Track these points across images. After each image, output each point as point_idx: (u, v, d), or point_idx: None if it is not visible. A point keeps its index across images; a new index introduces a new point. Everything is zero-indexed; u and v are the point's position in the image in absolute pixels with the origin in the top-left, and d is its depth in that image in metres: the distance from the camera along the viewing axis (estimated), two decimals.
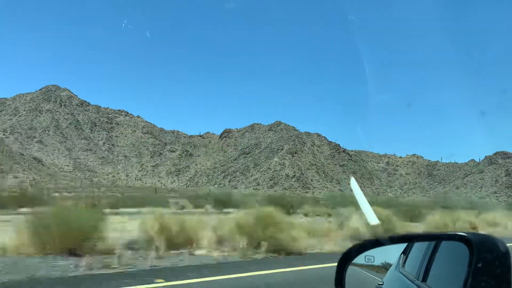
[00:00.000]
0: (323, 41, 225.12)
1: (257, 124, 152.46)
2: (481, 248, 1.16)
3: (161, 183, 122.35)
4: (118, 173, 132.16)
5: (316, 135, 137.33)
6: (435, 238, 1.53)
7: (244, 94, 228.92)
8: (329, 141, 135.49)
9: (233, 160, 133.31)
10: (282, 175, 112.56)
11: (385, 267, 1.67)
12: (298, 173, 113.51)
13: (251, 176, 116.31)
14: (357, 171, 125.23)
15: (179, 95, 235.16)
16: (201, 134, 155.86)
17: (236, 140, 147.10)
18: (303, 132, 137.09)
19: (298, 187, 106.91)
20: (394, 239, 1.50)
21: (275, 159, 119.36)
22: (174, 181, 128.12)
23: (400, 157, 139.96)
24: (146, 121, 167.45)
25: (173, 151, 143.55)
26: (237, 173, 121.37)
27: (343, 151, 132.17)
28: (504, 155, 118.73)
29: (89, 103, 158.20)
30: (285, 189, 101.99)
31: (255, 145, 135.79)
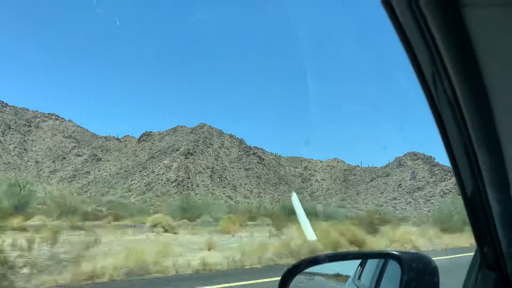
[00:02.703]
0: (263, 47, 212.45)
1: (181, 126, 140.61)
2: (410, 265, 1.23)
3: (45, 190, 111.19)
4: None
5: (228, 136, 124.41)
6: (369, 256, 1.63)
7: (170, 95, 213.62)
8: (239, 143, 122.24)
9: (139, 165, 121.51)
10: (161, 180, 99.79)
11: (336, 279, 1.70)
12: (183, 177, 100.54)
13: (131, 181, 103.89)
14: (263, 176, 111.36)
15: (117, 99, 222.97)
16: (119, 137, 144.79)
17: (153, 143, 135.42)
18: (216, 133, 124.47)
19: (176, 192, 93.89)
20: (331, 257, 1.54)
21: (165, 162, 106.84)
22: (64, 188, 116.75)
23: (320, 162, 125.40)
24: (78, 126, 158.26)
25: (80, 155, 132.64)
26: (129, 179, 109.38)
27: (253, 153, 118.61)
28: (414, 156, 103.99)
29: (6, 103, 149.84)
30: (157, 195, 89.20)
31: (167, 148, 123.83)
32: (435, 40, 0.70)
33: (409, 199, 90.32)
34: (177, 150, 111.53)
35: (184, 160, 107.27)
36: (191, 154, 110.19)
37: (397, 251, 1.37)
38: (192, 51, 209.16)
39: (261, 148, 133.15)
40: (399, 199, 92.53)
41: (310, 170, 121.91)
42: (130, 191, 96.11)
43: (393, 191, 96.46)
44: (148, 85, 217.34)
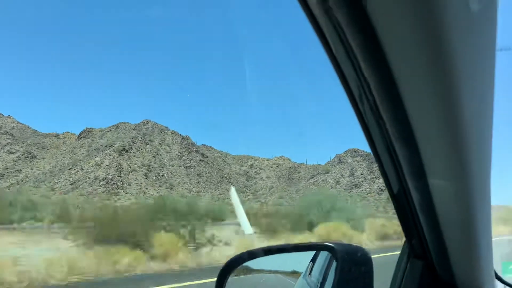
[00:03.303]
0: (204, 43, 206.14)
1: (124, 123, 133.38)
2: (344, 256, 1.28)
3: None
4: None
5: (171, 133, 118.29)
6: (306, 249, 1.63)
7: (115, 91, 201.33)
8: (182, 140, 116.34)
9: (74, 164, 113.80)
10: (89, 178, 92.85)
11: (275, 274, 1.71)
12: (113, 175, 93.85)
13: (58, 180, 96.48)
14: (205, 174, 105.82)
15: (60, 95, 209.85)
16: (58, 133, 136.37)
17: (93, 140, 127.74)
18: (159, 130, 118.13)
19: (104, 192, 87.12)
20: (267, 251, 1.54)
21: (96, 159, 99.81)
22: None
23: (267, 160, 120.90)
24: (18, 122, 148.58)
25: (12, 153, 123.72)
26: (57, 177, 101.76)
27: (196, 151, 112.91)
28: (354, 152, 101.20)
29: None
30: (81, 195, 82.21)
31: (106, 146, 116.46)
32: (349, 41, 0.73)
33: (346, 196, 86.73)
34: (111, 146, 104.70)
35: (118, 157, 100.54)
36: (126, 151, 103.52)
37: (331, 243, 1.38)
38: (141, 45, 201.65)
39: (210, 147, 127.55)
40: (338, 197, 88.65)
41: (256, 168, 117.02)
42: (53, 190, 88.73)
43: (331, 188, 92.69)
44: (91, 80, 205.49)
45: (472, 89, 0.77)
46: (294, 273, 1.75)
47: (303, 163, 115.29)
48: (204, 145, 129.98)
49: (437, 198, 1.04)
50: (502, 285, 1.57)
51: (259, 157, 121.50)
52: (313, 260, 1.79)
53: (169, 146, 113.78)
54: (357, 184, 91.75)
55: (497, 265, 1.53)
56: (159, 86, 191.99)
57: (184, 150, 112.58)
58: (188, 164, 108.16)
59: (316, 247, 1.58)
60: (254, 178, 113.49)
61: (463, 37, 0.68)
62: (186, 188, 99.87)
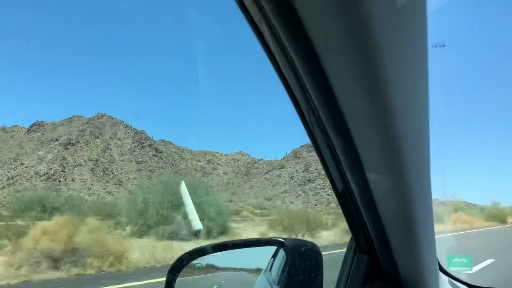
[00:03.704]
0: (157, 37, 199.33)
1: (78, 116, 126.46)
2: (294, 251, 1.30)
3: None
4: None
5: (123, 126, 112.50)
6: (255, 244, 1.64)
7: (69, 84, 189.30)
8: (135, 134, 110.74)
9: (16, 158, 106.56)
10: (29, 173, 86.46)
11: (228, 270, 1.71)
12: (56, 170, 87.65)
13: None
14: (158, 169, 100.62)
15: (12, 87, 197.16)
16: (5, 127, 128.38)
17: (43, 134, 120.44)
18: (111, 123, 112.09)
19: (44, 188, 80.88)
20: (216, 248, 1.54)
21: (40, 153, 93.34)
22: None
23: (226, 155, 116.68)
24: None
25: None
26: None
27: (149, 145, 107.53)
28: (310, 147, 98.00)
29: None
30: (18, 191, 75.77)
31: (51, 140, 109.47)
32: (282, 39, 0.73)
33: (300, 191, 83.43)
34: (57, 140, 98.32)
35: (63, 151, 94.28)
36: (73, 145, 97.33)
37: (282, 238, 1.40)
38: (104, 38, 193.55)
39: (169, 142, 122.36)
40: (290, 192, 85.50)
41: (214, 163, 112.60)
42: None
43: (285, 183, 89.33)
44: (45, 70, 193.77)
45: (404, 85, 0.79)
46: (259, 270, 1.71)
47: (262, 159, 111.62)
48: (163, 140, 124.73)
49: (376, 193, 1.06)
50: (447, 277, 1.61)
51: (217, 153, 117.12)
52: (274, 256, 1.73)
53: (120, 140, 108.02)
54: (310, 179, 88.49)
55: (443, 259, 1.65)
56: (117, 79, 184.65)
57: (136, 144, 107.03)
58: (140, 159, 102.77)
59: (268, 243, 1.57)
60: (211, 173, 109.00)
61: (390, 32, 0.68)
62: (135, 184, 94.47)
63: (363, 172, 1.00)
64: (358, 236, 1.34)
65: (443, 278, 1.58)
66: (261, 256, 1.64)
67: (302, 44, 0.72)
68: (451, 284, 1.64)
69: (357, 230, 1.32)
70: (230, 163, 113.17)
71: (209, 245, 1.47)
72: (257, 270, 1.70)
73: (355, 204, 1.18)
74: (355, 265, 1.40)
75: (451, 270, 1.65)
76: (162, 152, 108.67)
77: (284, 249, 1.36)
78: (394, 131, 0.84)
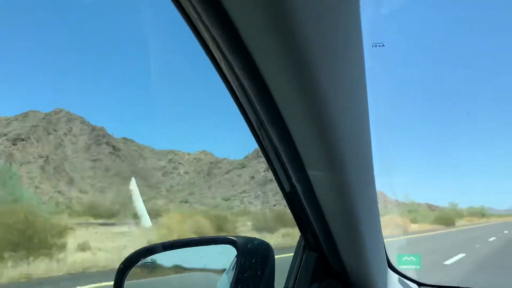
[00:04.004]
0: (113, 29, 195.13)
1: (33, 111, 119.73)
2: (244, 249, 1.29)
3: None
4: None
5: (79, 123, 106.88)
6: (207, 243, 1.62)
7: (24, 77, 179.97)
8: (92, 130, 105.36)
9: None
10: None
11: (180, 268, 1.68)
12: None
13: None
14: (114, 168, 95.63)
15: None
16: None
17: None
18: (68, 119, 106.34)
19: None
20: (167, 246, 1.51)
21: None
22: None
23: (188, 154, 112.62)
24: None
25: None
26: None
27: (106, 143, 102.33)
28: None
29: None
30: None
31: (2, 135, 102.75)
32: (216, 39, 0.73)
33: (259, 192, 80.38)
34: (5, 135, 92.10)
35: (10, 147, 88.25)
36: (22, 140, 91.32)
37: (233, 236, 1.40)
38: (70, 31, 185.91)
39: (131, 140, 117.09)
40: (249, 192, 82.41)
41: (175, 163, 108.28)
42: None
43: (245, 183, 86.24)
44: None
45: (340, 83, 0.79)
46: (213, 270, 1.69)
47: (226, 158, 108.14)
48: (124, 138, 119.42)
49: (318, 191, 1.07)
50: (397, 275, 1.67)
51: (179, 151, 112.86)
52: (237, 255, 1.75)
53: (75, 136, 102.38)
54: (271, 179, 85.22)
55: (394, 258, 1.70)
56: (75, 74, 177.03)
57: (92, 141, 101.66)
58: (95, 157, 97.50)
59: (220, 241, 1.52)
60: (172, 173, 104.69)
61: (322, 31, 0.68)
62: (88, 183, 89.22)
63: (304, 171, 0.99)
64: (307, 235, 1.36)
65: (393, 276, 1.63)
66: (214, 255, 1.56)
67: (234, 43, 0.71)
68: (401, 281, 1.69)
69: (305, 229, 1.33)
70: (192, 162, 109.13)
71: (160, 243, 1.45)
72: (223, 270, 1.59)
73: (301, 203, 1.18)
74: (304, 263, 1.42)
75: (401, 268, 1.69)
76: (120, 150, 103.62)
77: (235, 248, 1.32)
78: (332, 129, 0.84)
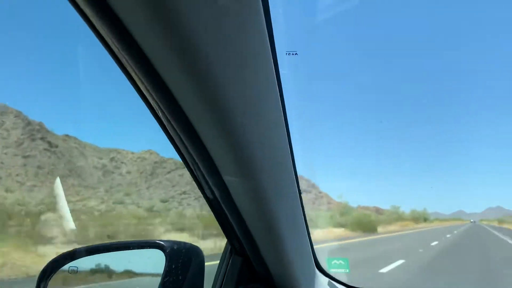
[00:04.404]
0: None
1: None
2: (173, 253, 1.29)
3: None
4: None
5: (13, 116, 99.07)
6: (134, 247, 1.58)
7: None
8: (26, 125, 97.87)
9: None
10: None
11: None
12: None
13: None
14: (48, 166, 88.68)
15: None
16: None
17: None
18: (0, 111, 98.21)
19: None
20: (92, 250, 1.47)
21: None
22: None
23: (132, 153, 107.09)
24: None
25: None
26: None
27: (41, 138, 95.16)
28: None
29: None
30: None
31: None
32: (118, 42, 0.72)
33: (199, 193, 76.54)
34: None
35: None
36: None
37: (161, 240, 1.37)
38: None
39: (74, 137, 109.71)
40: (189, 194, 78.12)
41: (117, 162, 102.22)
42: None
43: (186, 184, 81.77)
44: None
45: (248, 92, 0.80)
46: (139, 274, 1.65)
47: (172, 158, 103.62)
48: (66, 135, 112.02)
49: (235, 195, 1.08)
50: (328, 278, 1.71)
51: (123, 150, 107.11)
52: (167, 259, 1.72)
53: (7, 131, 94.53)
54: None
55: (324, 261, 1.78)
56: (18, 67, 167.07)
57: (26, 136, 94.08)
58: (28, 153, 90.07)
59: (148, 245, 1.48)
60: (113, 172, 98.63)
61: (223, 42, 0.69)
62: (18, 181, 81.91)
63: (220, 176, 1.01)
64: (232, 239, 1.38)
65: (323, 279, 1.66)
66: (142, 259, 1.52)
67: (131, 45, 0.70)
68: (330, 285, 1.71)
69: (229, 233, 1.35)
70: (136, 161, 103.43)
71: (84, 247, 1.40)
72: (139, 275, 1.59)
73: (222, 208, 1.19)
74: (230, 268, 1.44)
75: (331, 271, 1.75)
76: (57, 146, 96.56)
77: (164, 252, 1.31)
78: (242, 135, 0.85)
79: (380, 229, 28.09)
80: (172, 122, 0.88)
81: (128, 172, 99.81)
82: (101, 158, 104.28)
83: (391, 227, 33.28)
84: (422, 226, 41.51)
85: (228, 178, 1.01)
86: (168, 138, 1.01)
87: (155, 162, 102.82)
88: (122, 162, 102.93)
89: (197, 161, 1.00)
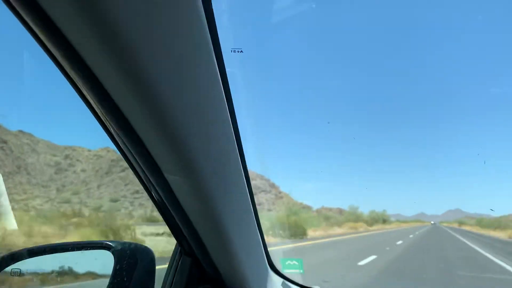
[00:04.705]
0: None
1: None
2: (121, 254, 1.25)
3: None
4: None
5: None
6: (81, 248, 1.53)
7: None
8: None
9: None
10: None
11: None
12: None
13: None
14: None
15: None
16: None
17: None
18: None
19: None
20: (36, 252, 1.39)
21: None
22: None
23: (88, 150, 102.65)
24: None
25: None
26: None
27: None
28: None
29: None
30: None
31: None
32: (48, 39, 0.70)
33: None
34: None
35: None
36: None
37: (110, 241, 1.33)
38: None
39: (28, 133, 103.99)
40: (142, 193, 74.93)
41: (72, 159, 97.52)
42: None
43: (139, 183, 78.69)
44: None
45: (187, 90, 0.80)
46: (87, 275, 1.61)
47: None
48: (20, 131, 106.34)
49: (178, 194, 1.06)
50: (282, 279, 1.72)
51: (79, 147, 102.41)
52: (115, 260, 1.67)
53: None
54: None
55: (278, 262, 1.77)
56: None
57: None
58: None
59: (95, 246, 1.44)
60: (66, 170, 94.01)
61: (158, 39, 0.68)
62: None
63: (162, 175, 0.98)
64: (181, 240, 1.35)
65: (277, 279, 1.65)
66: (89, 261, 1.48)
67: (61, 43, 0.69)
68: (284, 285, 1.70)
69: (178, 234, 1.31)
70: (92, 159, 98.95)
71: (26, 248, 1.34)
72: (86, 276, 1.54)
73: (168, 208, 1.16)
74: (180, 268, 1.41)
75: (285, 272, 1.75)
76: (6, 142, 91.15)
77: (112, 253, 1.28)
78: (181, 132, 0.83)
79: (315, 233, 24.56)
80: (109, 120, 0.85)
81: (83, 170, 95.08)
82: (54, 155, 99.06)
83: (338, 230, 29.59)
84: (377, 228, 37.85)
85: (170, 177, 0.97)
86: (109, 136, 0.95)
87: (112, 160, 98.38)
88: (77, 160, 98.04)
89: (137, 159, 0.96)
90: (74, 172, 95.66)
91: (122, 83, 0.73)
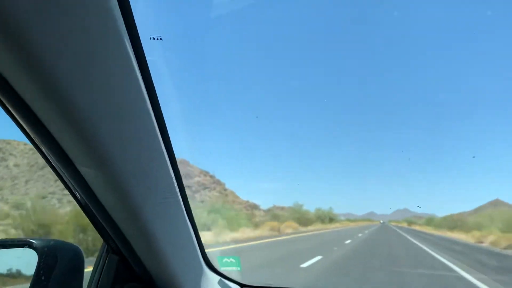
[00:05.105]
0: None
1: None
2: (45, 252, 1.18)
3: None
4: None
5: None
6: (2, 246, 1.42)
7: None
8: None
9: None
10: None
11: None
12: None
13: None
14: None
15: None
16: None
17: None
18: None
19: None
20: None
21: None
22: None
23: (25, 144, 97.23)
24: None
25: None
26: None
27: None
28: None
29: None
30: None
31: None
32: None
33: None
34: None
35: None
36: None
37: (33, 238, 1.24)
38: None
39: None
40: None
41: (5, 153, 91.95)
42: None
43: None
44: None
45: (94, 79, 0.77)
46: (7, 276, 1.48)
47: None
48: None
49: (95, 189, 1.01)
50: (219, 277, 1.71)
51: (14, 141, 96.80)
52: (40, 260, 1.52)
53: None
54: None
55: (215, 260, 1.77)
56: None
57: None
58: None
59: (16, 244, 1.34)
60: None
61: (65, 28, 0.66)
62: None
63: (74, 167, 0.93)
64: (107, 238, 1.29)
65: (213, 277, 1.63)
66: (10, 259, 1.36)
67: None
68: (221, 283, 1.69)
69: (102, 231, 1.25)
70: (27, 154, 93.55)
71: None
72: (6, 276, 1.41)
73: (88, 205, 1.11)
74: (106, 266, 1.37)
75: (222, 270, 1.74)
76: None
77: (35, 251, 1.20)
78: (91, 122, 0.80)
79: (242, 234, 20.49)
80: (9, 107, 0.80)
81: (16, 165, 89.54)
82: None
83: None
84: (315, 228, 31.60)
85: (84, 170, 0.92)
86: (19, 127, 0.90)
87: None
88: (10, 154, 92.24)
89: (47, 150, 0.91)
90: (7, 167, 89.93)
91: (22, 72, 0.69)
